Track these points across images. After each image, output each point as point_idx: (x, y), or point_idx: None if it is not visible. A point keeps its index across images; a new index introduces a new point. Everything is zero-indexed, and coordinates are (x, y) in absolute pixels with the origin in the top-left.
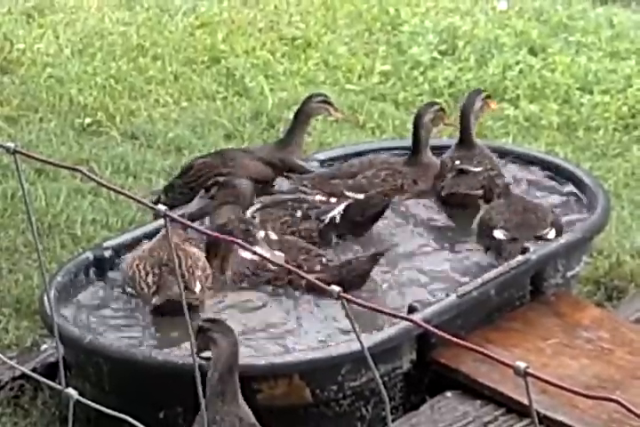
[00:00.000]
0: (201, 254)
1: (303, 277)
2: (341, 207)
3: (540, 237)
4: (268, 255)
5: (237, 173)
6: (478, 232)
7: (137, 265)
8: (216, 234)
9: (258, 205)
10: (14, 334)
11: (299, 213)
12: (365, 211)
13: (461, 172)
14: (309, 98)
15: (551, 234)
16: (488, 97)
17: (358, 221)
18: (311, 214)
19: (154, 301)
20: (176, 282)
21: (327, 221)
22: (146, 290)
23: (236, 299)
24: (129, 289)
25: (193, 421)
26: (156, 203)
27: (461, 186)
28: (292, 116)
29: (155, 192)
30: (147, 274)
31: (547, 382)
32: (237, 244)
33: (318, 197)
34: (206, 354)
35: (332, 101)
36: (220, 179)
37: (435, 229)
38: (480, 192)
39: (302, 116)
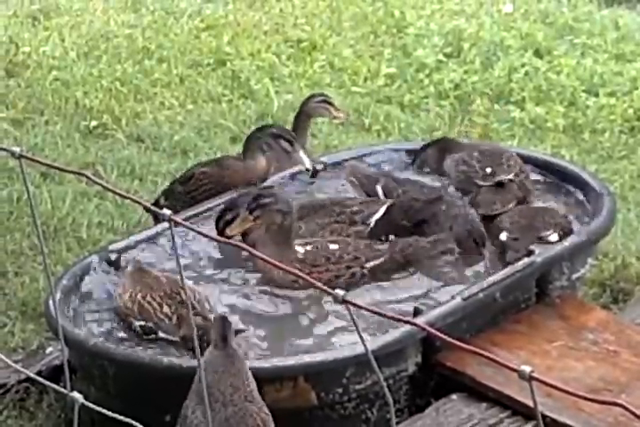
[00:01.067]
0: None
1: (308, 281)
2: (383, 209)
3: (540, 239)
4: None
5: (235, 179)
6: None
7: (143, 297)
8: (222, 239)
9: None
10: (20, 337)
11: (344, 218)
12: (412, 216)
13: (498, 185)
14: (309, 98)
15: (553, 237)
16: None
17: (403, 225)
18: (357, 219)
19: (181, 333)
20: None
21: (373, 224)
22: (166, 321)
23: (246, 303)
24: (135, 322)
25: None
26: (155, 203)
27: (497, 204)
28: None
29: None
30: (159, 305)
31: (551, 386)
32: (242, 248)
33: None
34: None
35: (333, 101)
36: (263, 201)
37: None
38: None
39: (303, 117)
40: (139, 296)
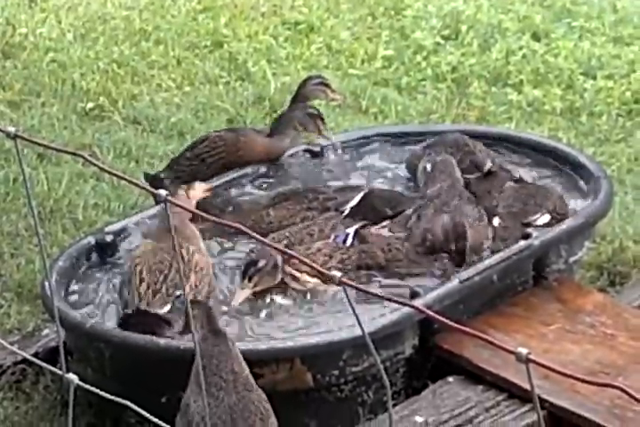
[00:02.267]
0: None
1: (306, 263)
2: (359, 197)
3: (528, 224)
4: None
5: (248, 150)
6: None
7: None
8: (221, 220)
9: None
10: (16, 319)
11: (315, 205)
12: (395, 206)
13: (519, 181)
14: (306, 80)
15: (542, 219)
16: None
17: (383, 213)
18: (329, 206)
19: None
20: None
21: (347, 211)
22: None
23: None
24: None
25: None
26: (154, 177)
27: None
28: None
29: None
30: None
31: (548, 368)
32: (242, 230)
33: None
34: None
35: (330, 83)
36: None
37: None
38: None
39: (300, 99)
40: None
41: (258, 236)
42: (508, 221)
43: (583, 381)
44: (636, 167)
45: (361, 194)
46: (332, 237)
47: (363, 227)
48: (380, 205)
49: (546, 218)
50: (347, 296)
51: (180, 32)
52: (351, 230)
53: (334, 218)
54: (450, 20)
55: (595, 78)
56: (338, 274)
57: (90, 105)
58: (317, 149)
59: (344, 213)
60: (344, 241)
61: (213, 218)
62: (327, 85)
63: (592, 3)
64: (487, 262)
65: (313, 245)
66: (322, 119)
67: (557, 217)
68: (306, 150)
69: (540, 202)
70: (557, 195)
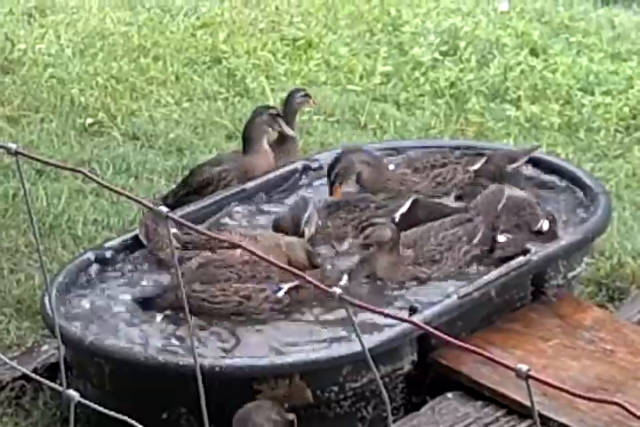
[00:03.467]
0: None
1: (304, 279)
2: (408, 204)
3: (538, 232)
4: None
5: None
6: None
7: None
8: (220, 236)
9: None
10: (15, 335)
11: (368, 215)
12: (431, 214)
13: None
14: (293, 94)
15: (545, 225)
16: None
17: (419, 220)
18: (381, 214)
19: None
20: None
21: (398, 219)
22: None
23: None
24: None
25: (196, 422)
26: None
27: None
28: None
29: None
30: None
31: (548, 384)
32: (243, 248)
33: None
34: None
35: (310, 93)
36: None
37: None
38: None
39: (291, 112)
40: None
41: (259, 253)
42: (513, 232)
43: (582, 397)
44: (634, 183)
45: (409, 201)
46: (269, 285)
47: (295, 287)
48: (422, 214)
49: (546, 224)
50: (347, 312)
51: (179, 48)
52: (286, 286)
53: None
54: (448, 37)
55: (593, 94)
56: (338, 290)
57: (89, 121)
58: (315, 164)
59: (395, 221)
60: (276, 292)
61: (212, 234)
62: (309, 96)
63: (590, 19)
64: (486, 278)
65: None
66: (280, 117)
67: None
68: (305, 166)
69: (533, 210)
70: (535, 200)
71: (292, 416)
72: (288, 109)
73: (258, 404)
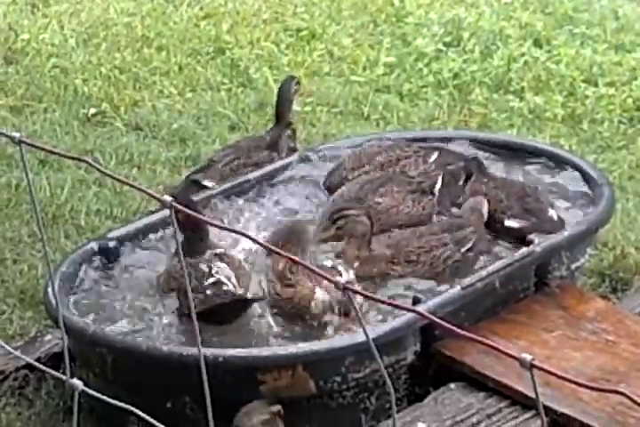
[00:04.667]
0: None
1: (311, 270)
2: (440, 179)
3: (550, 220)
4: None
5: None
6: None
7: None
8: (225, 226)
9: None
10: (18, 325)
11: (415, 188)
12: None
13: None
14: (288, 83)
15: (553, 213)
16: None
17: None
18: (425, 188)
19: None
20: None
21: (437, 193)
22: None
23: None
24: None
25: (200, 410)
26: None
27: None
28: (295, 107)
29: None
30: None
31: (553, 374)
32: (244, 235)
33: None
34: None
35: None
36: (349, 212)
37: None
38: None
39: (287, 101)
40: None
41: (263, 242)
42: (525, 218)
43: (587, 387)
44: (637, 174)
45: (440, 176)
46: None
47: None
48: (451, 182)
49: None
50: (351, 302)
51: (182, 39)
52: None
53: (432, 200)
54: (451, 27)
55: (596, 85)
56: (342, 280)
57: (92, 111)
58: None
59: (436, 195)
60: None
61: (217, 223)
62: (300, 83)
63: (593, 10)
64: (489, 269)
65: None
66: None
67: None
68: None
69: (540, 195)
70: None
71: (276, 408)
72: (284, 98)
73: (245, 411)
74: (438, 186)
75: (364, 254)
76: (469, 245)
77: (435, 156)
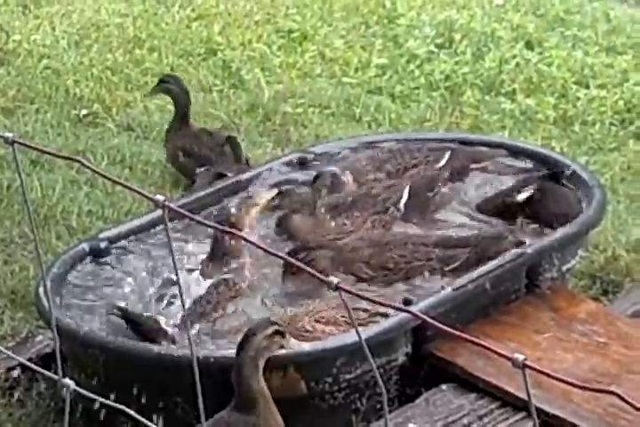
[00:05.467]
0: None
1: (306, 270)
2: (406, 192)
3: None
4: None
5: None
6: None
7: None
8: (216, 226)
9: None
10: (9, 325)
11: (378, 209)
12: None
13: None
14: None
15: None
16: None
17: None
18: (389, 206)
19: None
20: None
21: (402, 208)
22: None
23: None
24: None
25: (192, 411)
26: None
27: None
28: (287, 108)
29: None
30: None
31: (545, 374)
32: (242, 237)
33: None
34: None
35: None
36: (283, 188)
37: None
38: None
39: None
40: None
41: (263, 246)
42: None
43: (579, 387)
44: (628, 176)
45: (407, 189)
46: None
47: None
48: (420, 194)
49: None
50: (344, 302)
51: (174, 40)
52: None
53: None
54: (443, 29)
55: (588, 87)
56: (335, 280)
57: (84, 112)
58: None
59: (401, 211)
60: None
61: (213, 224)
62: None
63: (585, 12)
64: (480, 270)
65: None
66: None
67: None
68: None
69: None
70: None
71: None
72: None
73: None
74: (404, 200)
75: (309, 222)
76: (454, 266)
77: (445, 158)
